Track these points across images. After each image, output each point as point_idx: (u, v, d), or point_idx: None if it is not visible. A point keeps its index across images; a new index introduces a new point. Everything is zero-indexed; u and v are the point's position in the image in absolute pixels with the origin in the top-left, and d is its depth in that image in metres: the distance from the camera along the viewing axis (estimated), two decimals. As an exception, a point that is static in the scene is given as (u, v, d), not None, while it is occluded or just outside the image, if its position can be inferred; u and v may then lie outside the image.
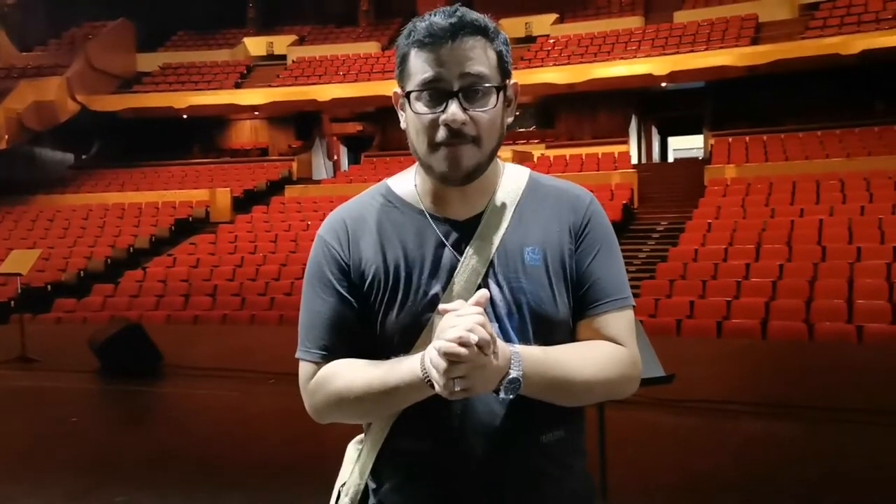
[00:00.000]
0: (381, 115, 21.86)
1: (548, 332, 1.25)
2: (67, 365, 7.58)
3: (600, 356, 1.26)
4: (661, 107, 20.36)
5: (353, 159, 22.81)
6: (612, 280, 1.30)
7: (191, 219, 17.26)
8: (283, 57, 22.68)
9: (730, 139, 16.87)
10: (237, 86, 21.59)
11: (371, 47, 22.19)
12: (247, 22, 24.36)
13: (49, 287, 13.26)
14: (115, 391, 7.04)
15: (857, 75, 16.48)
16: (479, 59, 1.22)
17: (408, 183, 1.37)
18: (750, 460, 4.48)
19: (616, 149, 18.02)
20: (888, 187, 12.44)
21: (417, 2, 24.16)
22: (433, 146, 1.23)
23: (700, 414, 5.31)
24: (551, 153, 18.23)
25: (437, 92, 1.21)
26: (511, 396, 1.15)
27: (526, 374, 1.14)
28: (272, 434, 5.45)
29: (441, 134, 1.21)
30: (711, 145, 17.22)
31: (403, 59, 1.26)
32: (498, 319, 1.24)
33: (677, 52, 17.47)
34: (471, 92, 1.21)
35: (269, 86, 21.08)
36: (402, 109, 1.30)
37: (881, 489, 3.94)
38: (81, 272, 14.15)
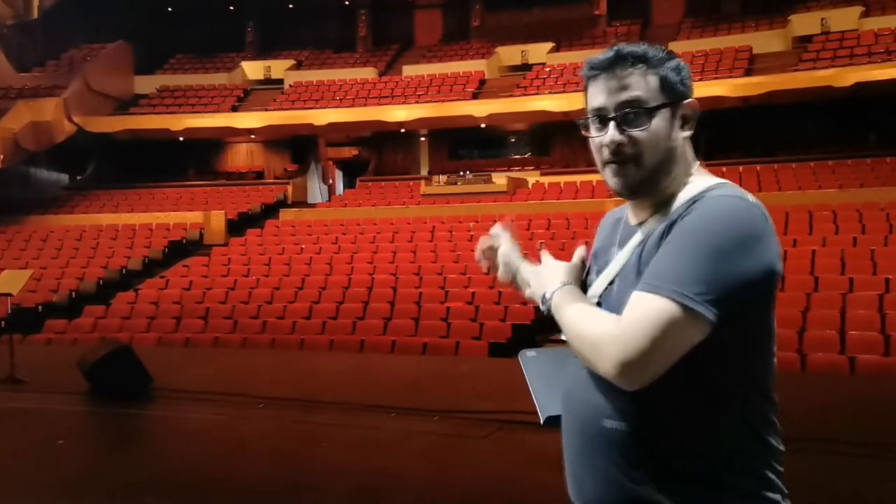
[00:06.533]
0: (377, 139, 21.96)
1: None
2: (56, 386, 7.51)
3: (594, 317, 1.32)
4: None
5: (349, 183, 22.87)
6: (659, 267, 1.27)
7: (184, 241, 17.23)
8: (281, 81, 22.82)
9: (723, 169, 16.94)
10: (234, 109, 21.68)
11: (368, 73, 22.33)
12: (245, 46, 24.54)
13: (40, 307, 13.19)
14: (104, 414, 6.97)
15: (849, 108, 16.65)
16: (636, 85, 1.36)
17: None
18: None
19: (610, 177, 18.09)
20: (880, 219, 12.51)
21: (415, 29, 24.43)
22: (602, 166, 1.41)
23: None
24: (546, 180, 18.31)
25: (600, 118, 1.39)
26: (544, 310, 1.42)
27: (554, 302, 1.40)
28: (263, 459, 5.40)
29: (605, 155, 1.39)
30: (705, 175, 17.30)
31: (585, 90, 1.45)
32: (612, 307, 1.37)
33: (672, 83, 17.61)
34: (627, 116, 1.36)
35: (266, 109, 21.17)
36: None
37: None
38: (73, 293, 14.08)
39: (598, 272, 1.46)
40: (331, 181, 23.51)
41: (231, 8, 24.08)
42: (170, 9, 23.68)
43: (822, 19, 18.42)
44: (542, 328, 10.39)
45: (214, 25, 23.97)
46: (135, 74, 23.13)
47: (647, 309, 1.23)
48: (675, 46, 19.61)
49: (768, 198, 14.65)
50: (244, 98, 22.40)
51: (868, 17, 18.16)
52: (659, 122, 1.36)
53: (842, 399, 6.55)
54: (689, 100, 1.41)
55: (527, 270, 1.54)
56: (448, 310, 10.84)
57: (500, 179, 18.13)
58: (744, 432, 1.31)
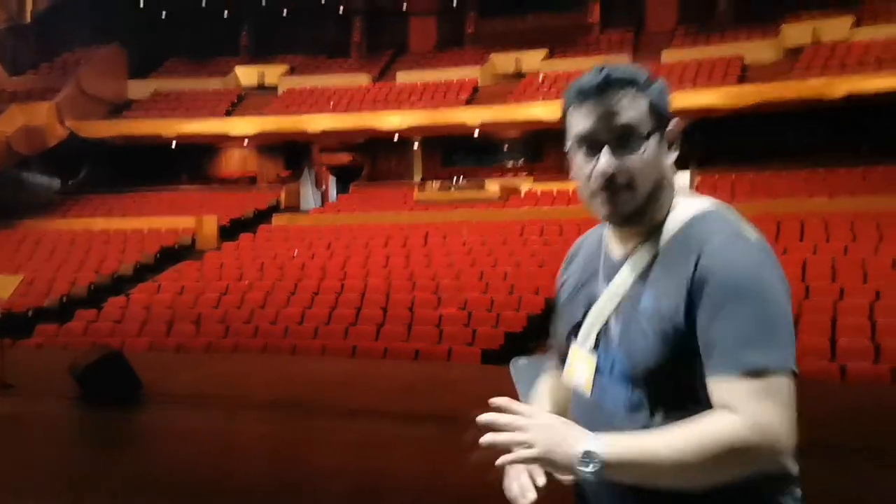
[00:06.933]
0: (371, 145, 21.94)
1: (646, 379, 1.28)
2: (46, 391, 7.48)
3: (695, 432, 1.17)
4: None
5: (342, 189, 22.87)
6: (723, 340, 1.20)
7: (177, 246, 17.18)
8: (275, 87, 22.80)
9: (716, 176, 17.03)
10: (228, 114, 21.65)
11: (362, 79, 22.34)
12: (239, 51, 24.52)
13: (31, 312, 13.13)
14: (94, 418, 6.94)
15: (841, 117, 16.72)
16: (627, 109, 1.30)
17: None
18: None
19: (603, 184, 18.13)
20: (871, 227, 12.57)
21: (409, 36, 24.47)
22: (592, 194, 1.33)
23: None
24: (539, 187, 18.34)
25: (590, 144, 1.31)
26: (591, 473, 1.17)
27: (609, 454, 1.16)
28: (257, 461, 5.39)
29: (596, 183, 1.31)
30: (698, 182, 17.38)
31: (564, 117, 1.37)
32: (613, 357, 1.33)
33: (664, 91, 17.67)
34: (620, 142, 1.30)
35: (260, 115, 21.15)
36: (570, 162, 1.40)
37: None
38: (64, 298, 14.03)
39: (585, 308, 1.40)
40: (324, 187, 23.49)
41: (225, 13, 24.06)
42: (164, 13, 23.65)
43: (814, 29, 18.52)
44: (534, 335, 10.41)
45: (209, 30, 23.93)
46: (129, 78, 23.08)
47: (760, 390, 1.17)
48: (667, 55, 19.76)
49: (760, 206, 14.70)
50: (238, 103, 22.38)
51: (859, 27, 18.26)
52: (651, 147, 1.31)
53: (834, 406, 6.57)
54: (675, 121, 1.37)
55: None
56: (440, 316, 10.84)
57: (492, 186, 18.15)
58: None
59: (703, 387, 1.22)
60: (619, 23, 22.24)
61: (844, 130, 17.00)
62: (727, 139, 18.17)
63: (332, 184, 24.16)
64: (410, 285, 12.32)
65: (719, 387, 1.19)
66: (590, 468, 1.17)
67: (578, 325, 1.40)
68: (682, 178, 19.40)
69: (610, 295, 1.36)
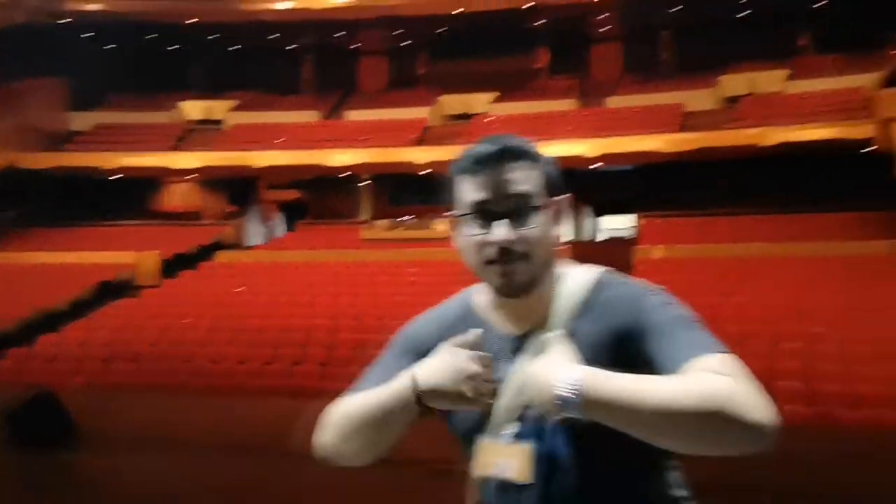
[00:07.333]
0: (319, 183, 21.91)
1: (594, 447, 1.26)
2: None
3: (684, 378, 1.15)
4: (593, 187, 20.91)
5: (289, 226, 22.72)
6: (691, 339, 1.23)
7: (116, 282, 16.77)
8: (222, 122, 22.65)
9: (658, 221, 17.41)
10: (173, 149, 21.39)
11: (311, 116, 22.36)
12: (188, 86, 24.34)
13: (-41, 349, 12.63)
14: (25, 462, 6.67)
15: (777, 165, 17.33)
16: (524, 180, 1.31)
17: (486, 294, 1.43)
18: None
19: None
20: (809, 273, 12.96)
21: (360, 75, 24.64)
22: (482, 264, 1.32)
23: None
24: (485, 228, 18.49)
25: (485, 214, 1.31)
26: (569, 414, 1.15)
27: (584, 389, 1.14)
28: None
29: (491, 252, 1.30)
30: (641, 226, 17.74)
31: (454, 185, 1.36)
32: (544, 435, 1.29)
33: (609, 136, 18.12)
34: (517, 212, 1.30)
35: (206, 150, 20.95)
36: (454, 230, 1.40)
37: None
38: (-4, 333, 13.53)
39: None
40: (270, 223, 23.31)
41: (174, 47, 23.93)
42: (112, 45, 23.39)
43: (750, 80, 19.26)
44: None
45: (157, 64, 23.73)
46: (72, 111, 22.69)
47: (740, 370, 1.18)
48: (612, 101, 20.28)
49: (702, 250, 15.09)
50: (184, 138, 22.14)
51: (793, 80, 19.07)
52: (545, 218, 1.33)
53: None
54: (567, 195, 1.39)
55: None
56: (386, 356, 10.75)
57: (440, 226, 18.24)
58: (666, 494, 1.36)
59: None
60: (566, 69, 22.79)
61: (782, 178, 17.59)
62: (669, 184, 18.64)
63: (278, 220, 24.01)
64: (356, 324, 12.22)
65: (701, 361, 1.18)
66: (568, 394, 1.14)
67: (483, 415, 1.33)
68: (629, 221, 19.88)
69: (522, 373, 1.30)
